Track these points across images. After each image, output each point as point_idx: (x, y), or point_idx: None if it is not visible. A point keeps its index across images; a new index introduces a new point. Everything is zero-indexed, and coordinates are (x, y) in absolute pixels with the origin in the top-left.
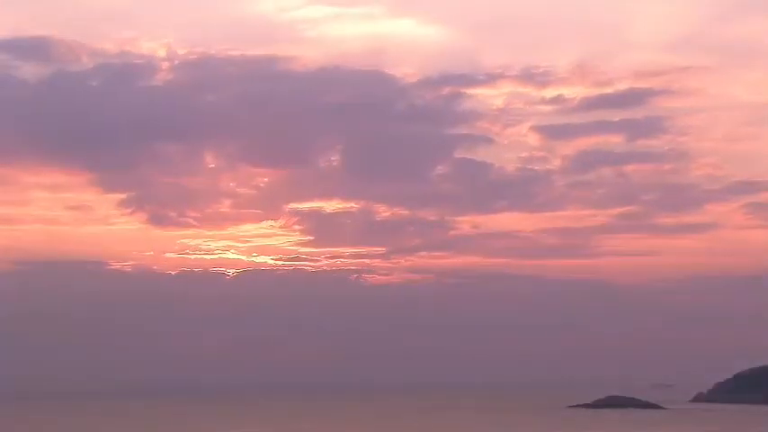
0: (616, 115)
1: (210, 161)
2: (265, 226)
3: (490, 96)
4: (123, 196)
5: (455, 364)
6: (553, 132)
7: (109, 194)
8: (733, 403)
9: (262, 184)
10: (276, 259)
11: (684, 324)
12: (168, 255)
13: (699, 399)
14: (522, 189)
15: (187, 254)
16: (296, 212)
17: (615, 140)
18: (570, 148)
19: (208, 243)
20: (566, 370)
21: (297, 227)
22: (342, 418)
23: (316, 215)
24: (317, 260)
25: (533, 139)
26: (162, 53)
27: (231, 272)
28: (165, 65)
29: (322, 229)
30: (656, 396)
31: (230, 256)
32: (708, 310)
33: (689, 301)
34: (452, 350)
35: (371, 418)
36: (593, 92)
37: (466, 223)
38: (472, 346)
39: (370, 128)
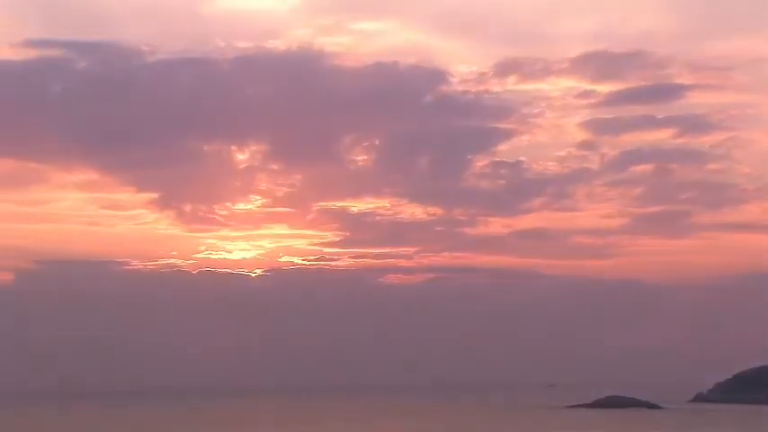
0: (662, 111)
1: (243, 159)
2: (294, 225)
3: (533, 91)
4: (155, 195)
5: (475, 365)
6: (596, 128)
7: (141, 194)
8: (733, 403)
9: (294, 182)
10: (304, 259)
11: (691, 324)
12: (194, 254)
13: (699, 399)
14: (558, 187)
15: (212, 253)
16: (326, 211)
17: (659, 137)
18: (612, 144)
19: (235, 243)
20: (578, 370)
21: (326, 226)
22: (359, 418)
23: (345, 214)
24: (345, 260)
25: (575, 136)
26: (206, 49)
27: (256, 272)
28: (209, 61)
29: (351, 228)
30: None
31: (257, 255)
32: (712, 310)
33: (701, 301)
34: (474, 350)
35: (376, 417)
36: (640, 87)
37: (498, 223)
38: (495, 346)
39: (408, 124)
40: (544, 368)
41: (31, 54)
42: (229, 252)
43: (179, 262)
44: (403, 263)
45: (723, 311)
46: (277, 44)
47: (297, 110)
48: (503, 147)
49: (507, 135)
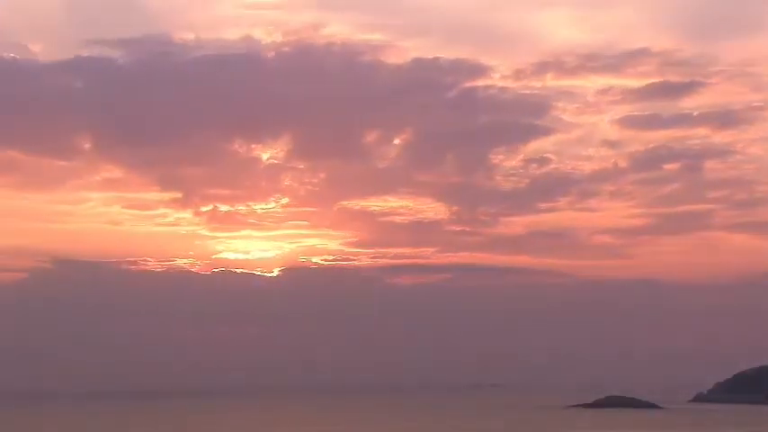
0: (696, 109)
1: (269, 158)
2: (316, 225)
3: (569, 88)
4: (179, 195)
5: (492, 365)
6: (629, 125)
7: (165, 193)
8: (733, 403)
9: (318, 181)
10: (323, 259)
11: (692, 323)
12: (212, 254)
13: (699, 399)
14: (585, 186)
15: (230, 253)
16: (347, 211)
17: (691, 134)
18: (643, 141)
19: (256, 242)
20: (579, 370)
21: (347, 225)
22: (369, 418)
23: (367, 214)
24: (367, 260)
25: (607, 134)
26: (243, 46)
27: (274, 271)
28: (246, 57)
29: (372, 227)
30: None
31: (276, 255)
32: (715, 310)
33: (707, 302)
34: (491, 351)
35: (375, 416)
36: (674, 84)
37: (519, 222)
38: (512, 346)
39: (437, 121)
40: (546, 368)
41: (68, 54)
42: (247, 252)
43: (195, 262)
44: (422, 262)
45: (726, 311)
46: (316, 39)
47: (328, 108)
48: (534, 144)
49: (541, 132)
